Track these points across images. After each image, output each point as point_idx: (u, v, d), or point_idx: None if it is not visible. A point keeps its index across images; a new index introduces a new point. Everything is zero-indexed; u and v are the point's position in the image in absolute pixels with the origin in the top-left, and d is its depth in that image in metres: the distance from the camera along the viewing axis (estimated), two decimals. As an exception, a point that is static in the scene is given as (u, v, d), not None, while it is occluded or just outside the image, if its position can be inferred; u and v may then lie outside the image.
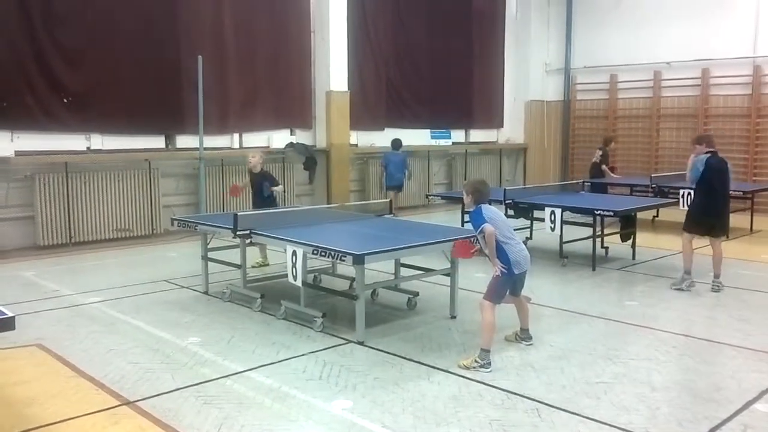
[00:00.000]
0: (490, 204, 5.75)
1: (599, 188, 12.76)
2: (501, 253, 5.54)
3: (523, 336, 6.04)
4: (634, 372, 5.40)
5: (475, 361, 5.39)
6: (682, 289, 7.91)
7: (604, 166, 13.78)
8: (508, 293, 5.77)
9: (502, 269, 5.49)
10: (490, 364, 5.39)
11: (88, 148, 11.10)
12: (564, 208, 9.12)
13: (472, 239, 6.04)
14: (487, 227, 5.46)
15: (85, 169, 10.87)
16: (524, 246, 5.78)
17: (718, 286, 7.93)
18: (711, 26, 15.10)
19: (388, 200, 9.05)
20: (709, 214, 7.92)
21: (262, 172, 9.22)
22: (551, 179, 17.22)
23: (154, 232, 11.57)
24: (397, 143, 14.00)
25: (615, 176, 13.91)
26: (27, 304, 7.25)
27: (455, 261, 6.82)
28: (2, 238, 10.15)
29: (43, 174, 10.42)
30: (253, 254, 8.68)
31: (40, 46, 10.39)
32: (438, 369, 5.43)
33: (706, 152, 7.86)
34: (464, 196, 5.82)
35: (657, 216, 12.84)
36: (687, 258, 8.00)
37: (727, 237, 8.68)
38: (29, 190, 10.42)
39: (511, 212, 10.20)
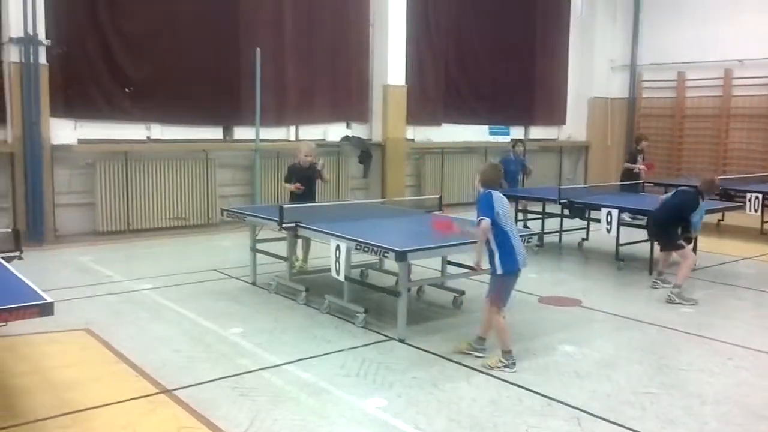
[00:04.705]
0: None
1: (630, 189, 12.03)
2: (506, 244, 5.32)
3: (478, 345, 5.60)
4: (684, 383, 5.17)
5: (500, 362, 5.30)
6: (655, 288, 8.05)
7: (626, 164, 13.27)
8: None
9: (482, 267, 5.38)
10: (515, 363, 5.31)
11: (148, 137, 11.33)
12: (621, 209, 8.83)
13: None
14: (484, 223, 5.24)
15: (145, 158, 11.09)
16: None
17: (669, 295, 7.44)
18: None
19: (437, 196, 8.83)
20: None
21: (312, 166, 8.68)
22: (614, 179, 16.68)
23: (210, 221, 11.73)
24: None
25: (643, 168, 13.01)
26: (80, 289, 7.44)
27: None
28: (64, 223, 10.44)
29: (103, 162, 10.68)
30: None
31: (104, 37, 10.66)
32: (478, 371, 5.30)
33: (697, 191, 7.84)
34: (477, 181, 5.57)
35: (722, 220, 12.33)
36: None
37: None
38: (90, 177, 10.70)
39: (566, 212, 9.98)
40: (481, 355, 5.56)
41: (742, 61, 15.05)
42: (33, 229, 9.74)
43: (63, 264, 8.79)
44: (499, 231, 5.30)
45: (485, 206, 5.30)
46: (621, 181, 12.83)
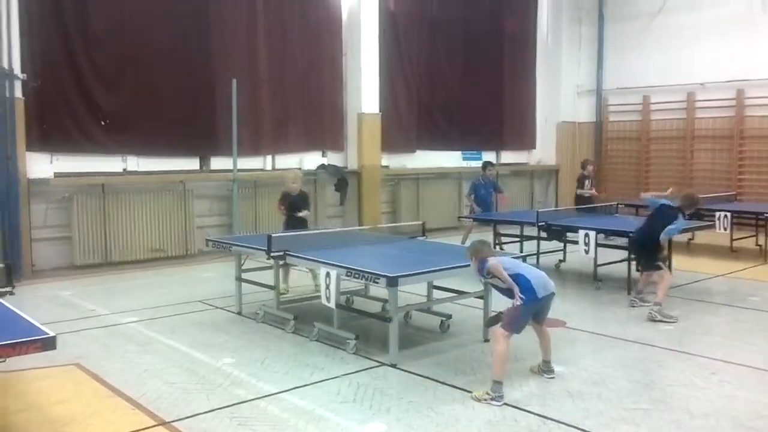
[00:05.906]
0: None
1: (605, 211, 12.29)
2: (521, 280, 5.44)
3: (545, 369, 5.76)
4: (672, 398, 5.31)
5: (487, 394, 5.20)
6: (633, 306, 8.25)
7: (577, 191, 13.62)
8: (531, 320, 5.62)
9: (521, 297, 5.35)
10: (502, 397, 5.17)
11: (124, 169, 11.31)
12: (598, 231, 9.03)
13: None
14: (490, 261, 5.49)
15: (122, 191, 11.06)
16: (544, 273, 5.69)
17: (651, 313, 7.61)
18: (746, 46, 14.90)
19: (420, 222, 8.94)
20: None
21: (300, 194, 9.11)
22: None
23: (189, 252, 11.70)
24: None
25: (593, 193, 13.52)
26: (65, 324, 7.34)
27: (488, 284, 6.78)
28: (41, 257, 10.34)
29: (80, 195, 10.63)
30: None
31: (79, 70, 10.68)
32: (471, 393, 5.38)
33: (677, 206, 8.07)
34: (471, 263, 5.71)
35: (692, 239, 12.65)
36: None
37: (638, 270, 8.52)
38: (67, 210, 10.63)
39: (544, 234, 10.15)
40: (550, 376, 5.70)
41: (703, 84, 15.56)
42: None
43: (44, 299, 8.68)
44: (510, 275, 5.45)
45: (482, 265, 5.54)
46: (576, 205, 13.06)
